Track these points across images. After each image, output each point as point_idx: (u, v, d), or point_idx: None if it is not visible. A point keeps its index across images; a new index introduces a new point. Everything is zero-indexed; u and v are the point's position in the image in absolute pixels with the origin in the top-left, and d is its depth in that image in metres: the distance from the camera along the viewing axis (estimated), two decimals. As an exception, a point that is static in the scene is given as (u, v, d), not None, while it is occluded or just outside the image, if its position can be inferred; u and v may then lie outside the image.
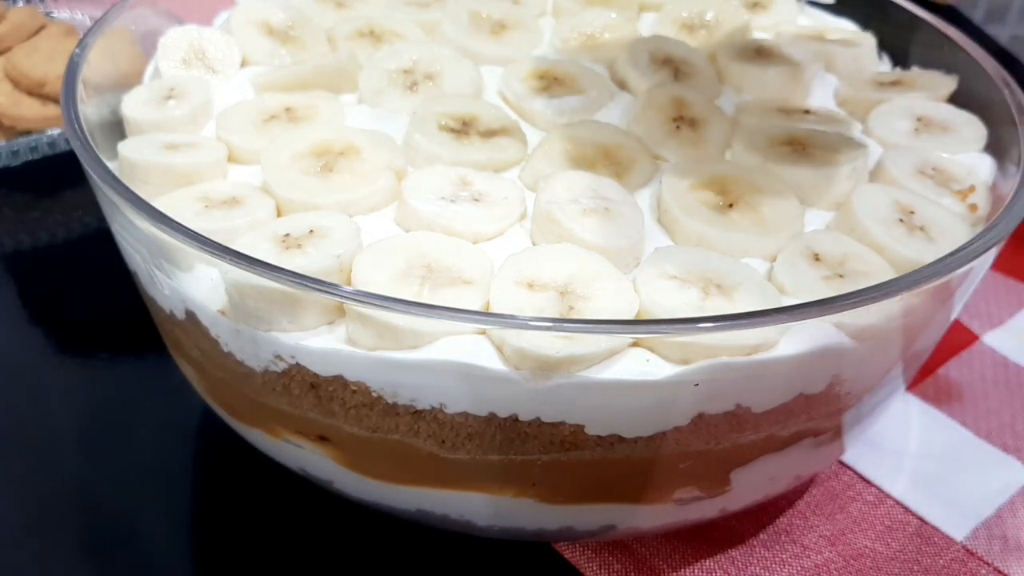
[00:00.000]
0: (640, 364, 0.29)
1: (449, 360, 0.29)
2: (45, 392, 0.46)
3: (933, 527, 0.41)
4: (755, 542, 0.40)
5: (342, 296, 0.28)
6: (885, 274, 0.33)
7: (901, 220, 0.35)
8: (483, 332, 0.29)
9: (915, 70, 0.47)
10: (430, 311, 0.28)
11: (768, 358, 0.29)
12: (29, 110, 0.59)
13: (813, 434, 0.34)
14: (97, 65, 0.40)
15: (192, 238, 0.29)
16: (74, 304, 0.51)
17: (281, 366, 0.31)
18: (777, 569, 0.39)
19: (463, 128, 0.38)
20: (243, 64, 0.44)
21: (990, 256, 0.32)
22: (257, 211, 0.34)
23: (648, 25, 0.49)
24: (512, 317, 0.28)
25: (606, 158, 0.37)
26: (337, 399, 0.31)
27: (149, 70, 0.43)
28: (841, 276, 0.32)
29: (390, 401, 0.31)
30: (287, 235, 0.32)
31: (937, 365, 0.48)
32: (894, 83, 0.45)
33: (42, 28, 0.63)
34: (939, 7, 0.65)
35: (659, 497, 0.34)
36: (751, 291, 0.31)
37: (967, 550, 0.40)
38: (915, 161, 0.39)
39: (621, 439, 0.31)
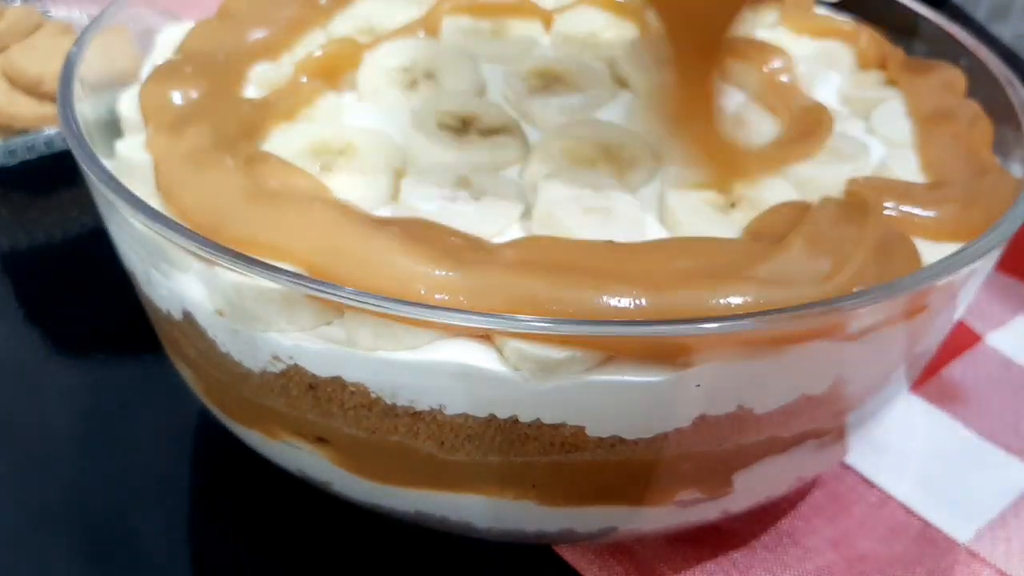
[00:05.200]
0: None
1: (448, 361, 0.29)
2: (41, 392, 0.46)
3: (936, 529, 0.40)
4: (757, 544, 0.39)
5: (341, 296, 0.28)
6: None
7: (905, 219, 0.35)
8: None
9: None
10: (429, 312, 0.28)
11: (770, 359, 0.29)
12: (26, 109, 0.59)
13: (816, 436, 0.34)
14: (94, 64, 0.39)
15: (190, 238, 0.29)
16: (71, 304, 0.51)
17: (279, 367, 0.31)
18: (779, 572, 0.38)
19: (463, 127, 0.38)
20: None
21: (994, 256, 0.32)
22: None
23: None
24: (512, 318, 0.28)
25: (607, 157, 0.37)
26: (336, 400, 0.31)
27: (146, 69, 0.43)
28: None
29: (389, 402, 0.30)
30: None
31: (940, 366, 0.48)
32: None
33: (39, 27, 0.63)
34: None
35: (661, 499, 0.34)
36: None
37: (971, 552, 0.39)
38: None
39: (622, 441, 0.30)
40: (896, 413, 0.43)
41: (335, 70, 0.41)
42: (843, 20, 0.50)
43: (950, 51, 0.45)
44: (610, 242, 0.31)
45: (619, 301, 0.28)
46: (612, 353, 0.29)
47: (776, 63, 0.43)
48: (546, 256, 0.30)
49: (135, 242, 0.33)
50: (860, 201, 0.35)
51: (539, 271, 0.29)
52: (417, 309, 0.27)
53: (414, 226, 0.31)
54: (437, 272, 0.29)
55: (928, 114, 0.41)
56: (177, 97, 0.38)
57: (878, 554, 0.39)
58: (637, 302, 0.28)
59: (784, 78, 0.43)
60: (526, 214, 0.35)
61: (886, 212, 0.34)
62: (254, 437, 0.36)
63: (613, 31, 0.46)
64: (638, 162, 0.37)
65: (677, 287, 0.29)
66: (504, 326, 0.28)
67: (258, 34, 0.44)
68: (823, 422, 0.33)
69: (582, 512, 0.34)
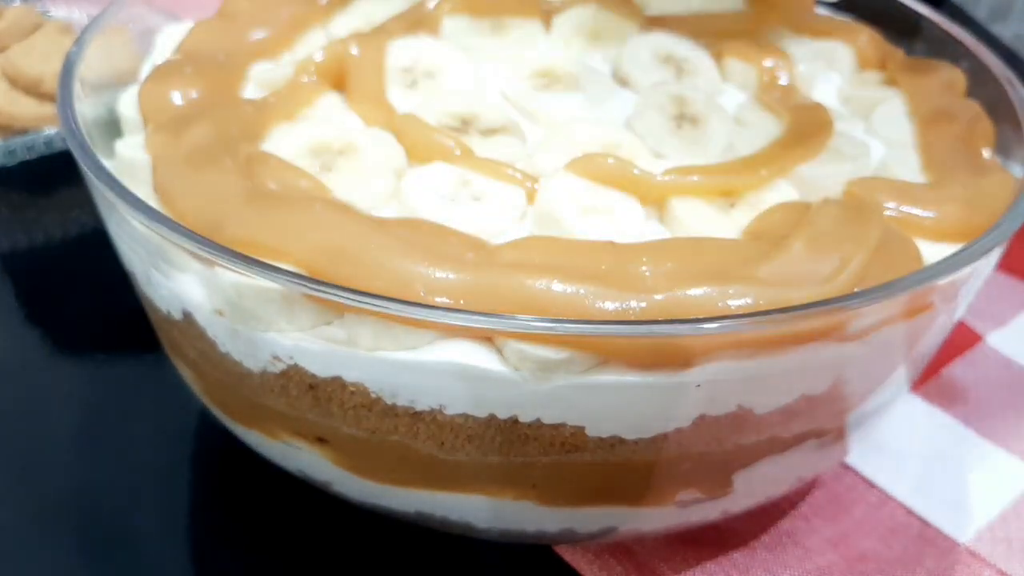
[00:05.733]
0: (641, 365, 0.29)
1: (448, 361, 0.29)
2: (41, 392, 0.46)
3: (936, 529, 0.40)
4: (757, 545, 0.39)
5: (341, 296, 0.28)
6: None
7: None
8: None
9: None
10: (429, 312, 0.28)
11: (770, 359, 0.29)
12: (26, 109, 0.59)
13: (816, 436, 0.34)
14: (94, 63, 0.39)
15: (189, 238, 0.29)
16: (70, 304, 0.51)
17: (279, 367, 0.31)
18: (779, 572, 0.38)
19: (463, 127, 0.38)
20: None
21: (994, 256, 0.32)
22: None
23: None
24: (512, 318, 0.28)
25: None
26: (336, 400, 0.31)
27: (146, 68, 0.43)
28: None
29: (389, 402, 0.30)
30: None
31: (941, 366, 0.48)
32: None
33: (39, 26, 0.63)
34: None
35: (661, 499, 0.34)
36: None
37: (971, 552, 0.39)
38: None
39: (622, 441, 0.30)
40: (896, 413, 0.43)
41: (336, 70, 0.41)
42: (843, 20, 0.50)
43: (950, 51, 0.45)
44: (610, 242, 0.31)
45: (619, 302, 0.28)
46: (612, 356, 0.29)
47: (776, 63, 0.43)
48: (546, 257, 0.30)
49: (135, 242, 0.33)
50: (860, 201, 0.35)
51: (539, 272, 0.29)
52: (417, 309, 0.27)
53: (414, 226, 0.31)
54: (437, 274, 0.29)
55: (928, 114, 0.41)
56: (177, 97, 0.38)
57: (878, 554, 0.39)
58: (637, 303, 0.28)
59: (784, 78, 0.43)
60: (526, 214, 0.35)
61: (887, 212, 0.34)
62: (254, 437, 0.36)
63: (613, 30, 0.46)
64: (638, 162, 0.37)
65: (677, 288, 0.29)
66: (504, 326, 0.28)
67: (258, 34, 0.44)
68: (823, 422, 0.33)
69: (582, 512, 0.34)
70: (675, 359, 0.28)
